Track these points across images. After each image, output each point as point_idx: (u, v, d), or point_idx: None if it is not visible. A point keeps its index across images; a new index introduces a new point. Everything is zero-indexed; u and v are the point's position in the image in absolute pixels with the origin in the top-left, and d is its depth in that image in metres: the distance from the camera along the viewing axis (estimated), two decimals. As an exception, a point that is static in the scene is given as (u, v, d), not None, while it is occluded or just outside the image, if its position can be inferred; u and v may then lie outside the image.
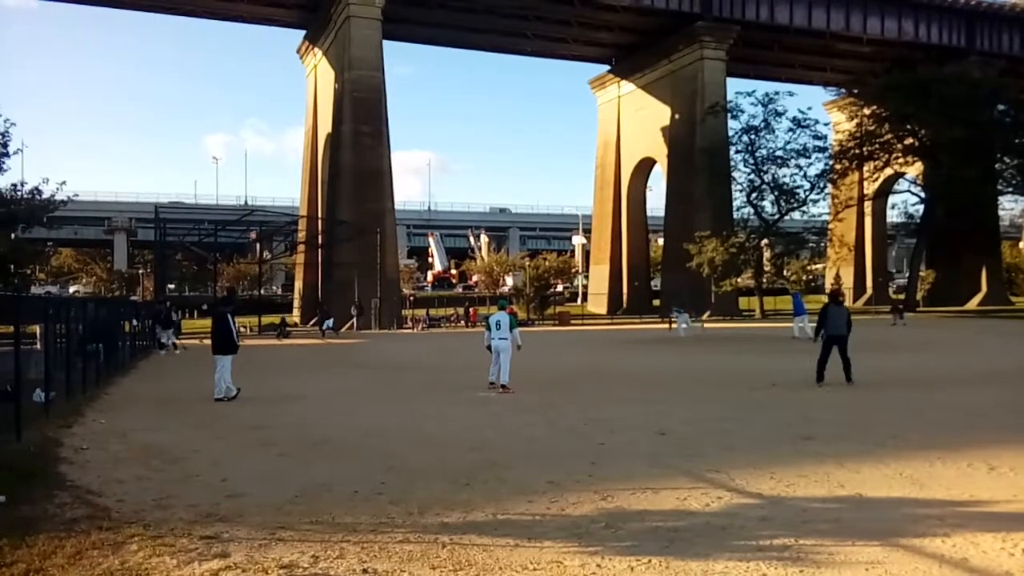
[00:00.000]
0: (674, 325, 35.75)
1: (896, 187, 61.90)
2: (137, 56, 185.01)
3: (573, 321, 50.58)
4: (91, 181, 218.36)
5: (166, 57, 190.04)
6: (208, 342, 16.32)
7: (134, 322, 25.30)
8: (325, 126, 52.74)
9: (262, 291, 62.06)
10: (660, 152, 58.65)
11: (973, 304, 56.12)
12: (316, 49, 54.49)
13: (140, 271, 77.81)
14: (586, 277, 72.99)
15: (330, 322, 39.76)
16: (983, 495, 6.63)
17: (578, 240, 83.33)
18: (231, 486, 7.29)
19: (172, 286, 65.31)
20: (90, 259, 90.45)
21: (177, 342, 28.56)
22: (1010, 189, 57.00)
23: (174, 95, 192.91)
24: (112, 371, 18.22)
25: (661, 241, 66.52)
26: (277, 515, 6.28)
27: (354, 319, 42.99)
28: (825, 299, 17.71)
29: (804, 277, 61.71)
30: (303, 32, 56.18)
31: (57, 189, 31.94)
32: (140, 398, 14.72)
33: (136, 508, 6.54)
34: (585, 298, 69.21)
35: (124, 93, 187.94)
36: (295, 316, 54.39)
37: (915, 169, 57.55)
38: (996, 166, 53.59)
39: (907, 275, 63.14)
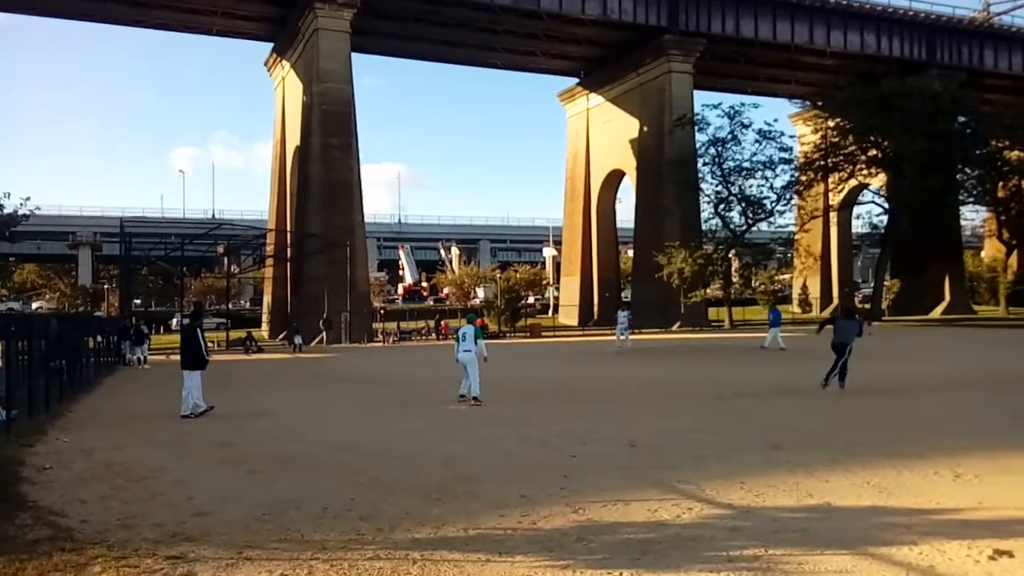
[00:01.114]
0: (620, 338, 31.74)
1: (860, 198, 62.76)
2: (102, 69, 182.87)
3: (544, 333, 50.64)
4: (55, 195, 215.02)
5: (131, 70, 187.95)
6: (175, 357, 16.13)
7: (99, 338, 24.92)
8: (294, 139, 52.46)
9: (230, 305, 61.45)
10: (629, 164, 59.04)
11: (937, 313, 57.02)
12: (284, 62, 54.24)
13: (105, 286, 76.68)
14: (557, 289, 73.15)
15: (298, 339, 38.15)
16: (949, 502, 6.72)
17: (549, 252, 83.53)
18: (197, 505, 7.18)
19: (138, 301, 64.46)
20: (54, 274, 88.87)
21: (144, 357, 28.63)
22: (971, 199, 58.13)
23: (140, 108, 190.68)
24: (76, 388, 17.89)
25: (631, 252, 66.84)
26: (244, 533, 6.20)
27: (324, 333, 42.65)
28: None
29: (771, 287, 62.34)
30: (271, 44, 55.94)
31: (20, 204, 31.56)
32: (104, 416, 14.47)
33: (100, 528, 6.42)
34: (556, 310, 69.35)
35: (88, 107, 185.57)
36: (263, 330, 53.89)
37: (879, 180, 58.43)
38: (958, 177, 54.60)
39: (872, 285, 64.03)
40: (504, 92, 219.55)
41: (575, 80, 64.44)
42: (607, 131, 61.20)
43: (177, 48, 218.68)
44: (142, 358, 28.25)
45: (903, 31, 59.46)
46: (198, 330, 14.16)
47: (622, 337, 31.58)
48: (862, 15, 57.75)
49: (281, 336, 49.65)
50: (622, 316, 32.73)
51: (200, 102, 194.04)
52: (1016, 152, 54.98)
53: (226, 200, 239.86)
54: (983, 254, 78.41)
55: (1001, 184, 57.45)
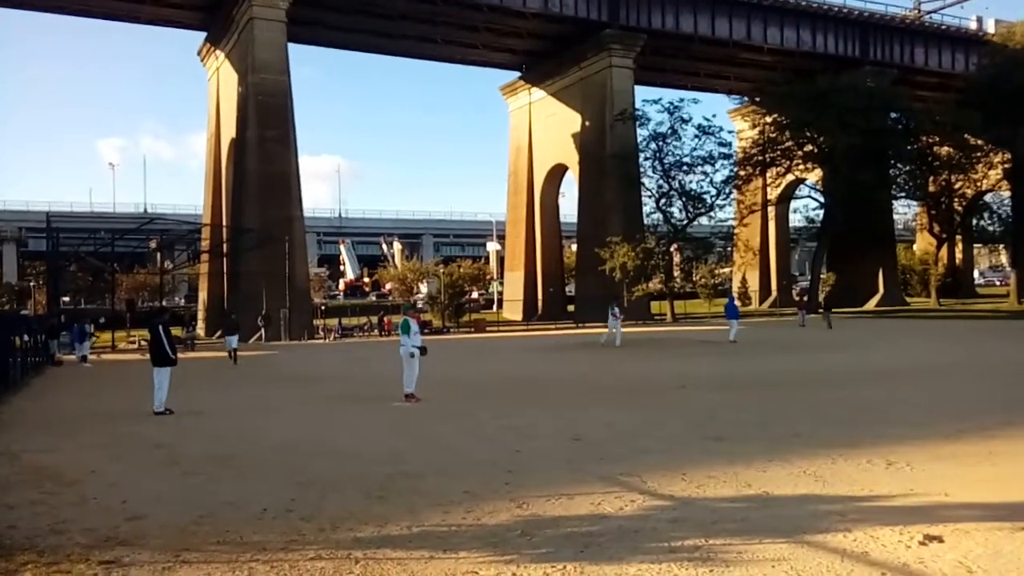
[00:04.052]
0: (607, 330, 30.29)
1: (797, 192, 64.21)
2: (19, 55, 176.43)
3: (489, 328, 50.63)
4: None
5: (54, 57, 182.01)
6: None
7: (26, 337, 24.10)
8: (229, 131, 51.41)
9: (164, 302, 60.00)
10: (572, 158, 59.32)
11: (871, 305, 58.60)
12: (218, 51, 53.06)
13: (31, 283, 74.24)
14: (501, 283, 73.17)
15: (233, 340, 27.95)
16: (882, 490, 6.90)
17: (492, 247, 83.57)
18: (131, 508, 6.98)
19: (67, 298, 62.50)
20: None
21: (86, 355, 28.74)
22: (903, 194, 59.81)
23: (65, 98, 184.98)
24: (2, 390, 17.27)
25: (575, 247, 67.23)
26: (181, 536, 6.05)
27: (262, 330, 41.93)
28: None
29: (712, 281, 63.32)
30: (204, 33, 54.67)
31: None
32: (33, 417, 14.02)
33: (29, 534, 6.21)
34: (500, 304, 69.38)
35: (10, 97, 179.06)
36: (200, 328, 52.78)
37: (815, 175, 59.74)
38: (890, 172, 56.12)
39: (809, 277, 65.54)
40: (446, 85, 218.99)
41: (517, 74, 64.47)
42: (549, 125, 61.38)
43: (102, 34, 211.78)
44: (85, 356, 28.33)
45: (837, 28, 60.89)
46: (160, 327, 14.08)
47: (614, 330, 29.37)
48: (798, 12, 58.96)
49: (218, 334, 48.63)
50: (613, 308, 31.04)
51: (127, 91, 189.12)
52: (946, 148, 56.75)
53: (159, 194, 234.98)
54: (915, 247, 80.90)
55: (932, 179, 59.29)
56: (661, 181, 54.27)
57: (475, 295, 70.99)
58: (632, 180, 53.01)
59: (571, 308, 60.86)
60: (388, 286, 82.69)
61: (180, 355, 15.59)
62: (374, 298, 79.34)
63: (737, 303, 35.50)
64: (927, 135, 55.72)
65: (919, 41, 64.57)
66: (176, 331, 40.45)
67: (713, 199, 55.00)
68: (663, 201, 54.69)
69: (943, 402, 12.83)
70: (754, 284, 68.40)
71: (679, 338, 33.14)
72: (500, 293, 72.02)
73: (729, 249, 64.00)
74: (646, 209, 55.10)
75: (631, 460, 8.50)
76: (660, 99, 52.97)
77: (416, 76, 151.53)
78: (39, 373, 24.41)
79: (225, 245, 48.28)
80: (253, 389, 18.40)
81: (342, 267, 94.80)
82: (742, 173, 56.39)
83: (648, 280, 53.52)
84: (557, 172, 63.37)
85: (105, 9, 52.09)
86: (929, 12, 66.03)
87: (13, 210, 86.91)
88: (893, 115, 55.67)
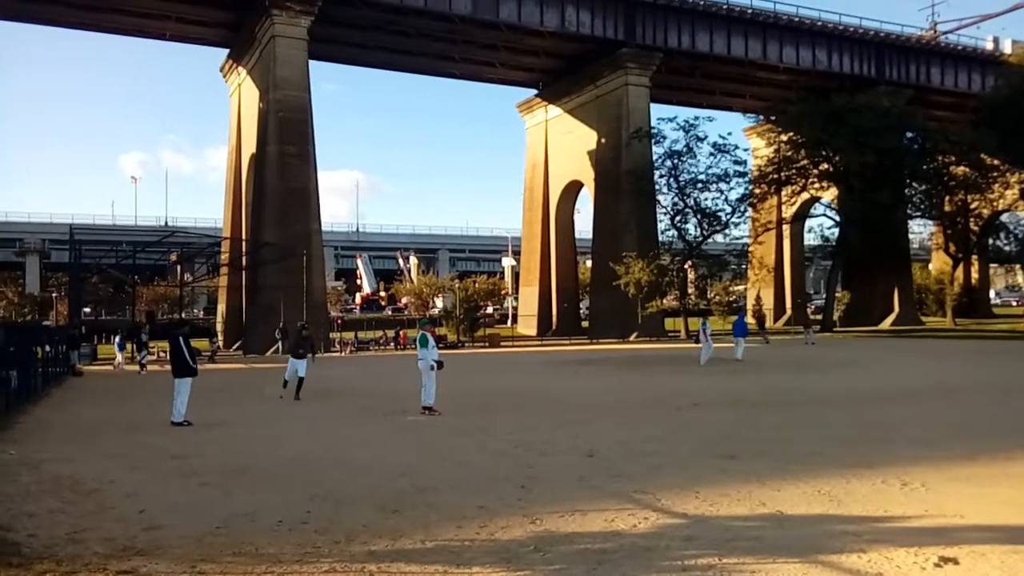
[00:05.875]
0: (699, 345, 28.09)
1: (812, 211, 63.96)
2: (47, 70, 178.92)
3: (503, 343, 50.59)
4: (1, 201, 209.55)
5: (78, 72, 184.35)
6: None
7: (47, 347, 24.33)
8: (249, 146, 51.85)
9: (183, 314, 60.39)
10: (587, 175, 59.42)
11: (886, 324, 58.17)
12: (240, 68, 53.62)
13: (54, 294, 74.93)
14: (516, 299, 73.17)
15: (302, 365, 18.68)
16: (897, 510, 6.87)
17: (508, 262, 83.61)
18: (149, 518, 7.06)
19: (88, 310, 63.01)
20: (0, 282, 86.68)
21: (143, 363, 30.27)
22: (918, 213, 59.51)
23: (89, 112, 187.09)
24: (23, 399, 17.44)
25: (589, 263, 67.19)
26: (198, 547, 6.11)
27: (279, 343, 42.11)
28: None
29: (726, 298, 63.08)
30: (227, 50, 55.28)
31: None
32: (53, 427, 14.15)
33: (48, 543, 6.29)
34: (515, 320, 69.34)
35: (35, 110, 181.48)
36: (219, 340, 53.04)
37: (830, 194, 59.53)
38: (906, 191, 55.88)
39: (824, 296, 65.16)
40: (463, 101, 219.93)
41: (534, 91, 64.72)
42: (566, 142, 61.53)
43: (124, 51, 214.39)
44: (142, 363, 30.09)
45: (853, 48, 60.81)
46: (180, 338, 14.30)
47: (705, 348, 27.46)
48: (813, 32, 58.94)
49: (236, 345, 48.85)
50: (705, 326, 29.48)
51: (149, 106, 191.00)
52: (961, 167, 56.47)
53: (179, 207, 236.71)
54: (931, 267, 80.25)
55: (947, 198, 58.98)
56: (676, 198, 54.29)
57: (490, 310, 70.88)
58: (647, 197, 53.04)
59: (585, 324, 60.77)
60: (404, 300, 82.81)
61: (201, 367, 15.76)
62: (390, 312, 79.47)
63: (750, 320, 35.19)
64: (943, 154, 55.45)
65: (935, 61, 64.36)
66: (202, 344, 40.94)
67: (728, 217, 54.96)
68: (678, 218, 54.68)
69: (958, 423, 12.74)
70: (768, 302, 68.02)
71: (693, 355, 32.99)
72: (515, 308, 71.98)
73: (744, 267, 63.84)
74: (661, 226, 55.14)
75: (645, 477, 8.50)
76: (675, 117, 53.31)
77: (434, 92, 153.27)
78: (59, 384, 24.61)
79: (244, 258, 48.59)
80: (269, 401, 18.48)
81: (359, 281, 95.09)
82: (757, 191, 56.28)
83: (663, 297, 53.42)
84: (572, 189, 63.48)
85: (132, 27, 52.75)
86: (945, 32, 66.01)
87: (37, 222, 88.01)
88: (908, 135, 55.44)
